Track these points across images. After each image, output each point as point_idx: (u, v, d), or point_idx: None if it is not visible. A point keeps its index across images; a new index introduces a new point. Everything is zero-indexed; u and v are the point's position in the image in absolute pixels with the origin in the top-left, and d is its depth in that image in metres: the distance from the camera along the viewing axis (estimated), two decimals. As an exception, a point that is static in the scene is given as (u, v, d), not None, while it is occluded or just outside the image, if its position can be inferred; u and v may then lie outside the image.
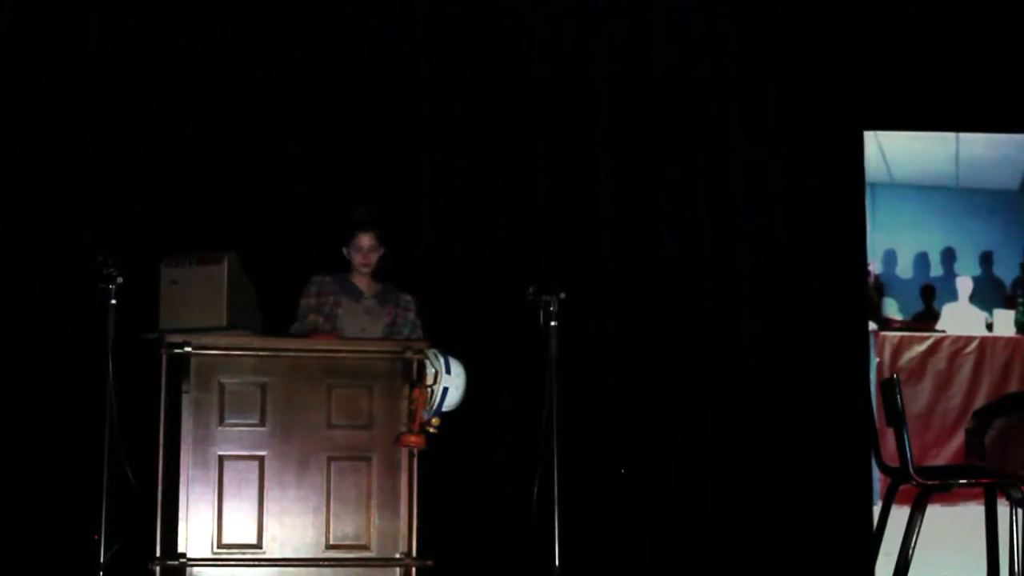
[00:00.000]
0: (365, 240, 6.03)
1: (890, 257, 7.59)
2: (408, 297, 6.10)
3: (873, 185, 7.56)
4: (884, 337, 7.50)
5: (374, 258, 6.06)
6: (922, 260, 7.62)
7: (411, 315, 6.06)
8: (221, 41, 7.07)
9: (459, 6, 7.31)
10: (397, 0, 7.29)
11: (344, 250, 6.07)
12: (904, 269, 7.60)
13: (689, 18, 7.46)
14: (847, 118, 7.46)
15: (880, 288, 7.56)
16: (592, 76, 7.40)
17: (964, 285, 7.61)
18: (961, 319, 7.60)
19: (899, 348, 7.50)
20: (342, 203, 6.52)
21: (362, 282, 6.06)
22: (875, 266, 7.55)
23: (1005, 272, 7.65)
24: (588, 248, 7.23)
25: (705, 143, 7.43)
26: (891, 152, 7.61)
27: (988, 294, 7.63)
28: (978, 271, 7.64)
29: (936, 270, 7.62)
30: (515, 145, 7.27)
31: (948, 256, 7.62)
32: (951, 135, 7.66)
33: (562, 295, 5.70)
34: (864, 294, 7.47)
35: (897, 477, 5.70)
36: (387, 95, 7.19)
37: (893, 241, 7.60)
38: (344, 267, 6.09)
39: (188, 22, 7.05)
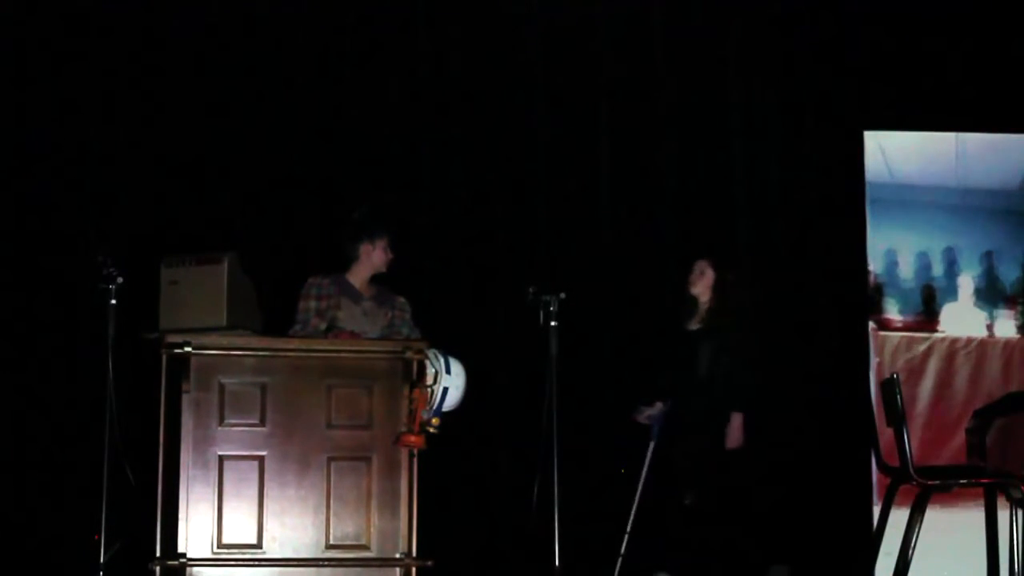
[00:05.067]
0: (388, 240, 6.09)
1: (891, 258, 7.58)
2: (402, 299, 6.11)
3: (874, 186, 7.54)
4: (884, 337, 7.49)
5: None
6: (923, 261, 7.60)
7: (407, 316, 6.07)
8: (221, 41, 7.07)
9: (459, 5, 7.31)
10: (397, 0, 7.30)
11: (362, 247, 6.04)
12: (905, 270, 7.59)
13: (689, 18, 7.46)
14: (847, 118, 7.46)
15: (880, 289, 7.55)
16: (591, 76, 7.40)
17: (965, 286, 7.60)
18: (961, 320, 7.59)
19: (899, 348, 7.49)
20: (342, 203, 6.52)
21: (360, 284, 6.06)
22: (875, 267, 7.54)
23: (1006, 273, 7.64)
24: (588, 248, 7.22)
25: (705, 143, 7.43)
26: (892, 153, 7.60)
27: (989, 295, 7.62)
28: (979, 272, 7.62)
29: (937, 271, 7.61)
30: (515, 146, 7.27)
31: (949, 257, 7.61)
32: (952, 136, 7.64)
33: (562, 295, 5.70)
34: (864, 293, 7.46)
35: (897, 477, 5.70)
36: (387, 95, 7.19)
37: (894, 242, 7.59)
38: (342, 267, 6.08)
39: (189, 23, 7.06)
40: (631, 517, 6.51)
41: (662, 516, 6.38)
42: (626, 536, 6.50)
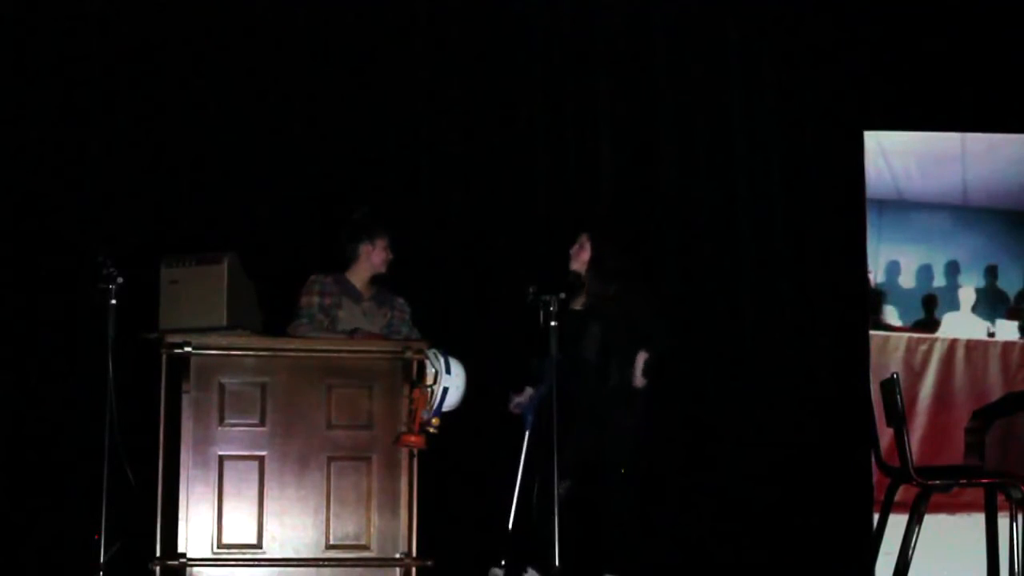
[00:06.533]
0: (387, 241, 6.08)
1: (893, 267, 7.56)
2: (401, 300, 6.11)
3: (876, 188, 7.52)
4: (884, 338, 7.48)
5: None
6: (925, 271, 7.59)
7: (407, 317, 6.07)
8: (221, 41, 7.07)
9: (459, 4, 7.32)
10: (397, 1, 7.30)
11: (362, 247, 6.04)
12: (907, 280, 7.58)
13: (689, 18, 7.46)
14: (847, 118, 7.46)
15: (881, 296, 7.53)
16: (592, 77, 7.40)
17: (967, 296, 7.58)
18: (962, 328, 7.57)
19: (898, 349, 7.48)
20: (342, 203, 6.52)
21: (360, 284, 6.06)
22: (878, 276, 7.52)
23: (1010, 276, 7.62)
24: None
25: (705, 144, 7.43)
26: (898, 167, 7.58)
27: (991, 305, 7.59)
28: (982, 283, 7.60)
29: (939, 281, 7.59)
30: (515, 145, 7.27)
31: (952, 268, 7.59)
32: (956, 136, 7.62)
33: (562, 295, 5.69)
34: (864, 292, 7.46)
35: (897, 477, 5.70)
36: (387, 94, 7.19)
37: (898, 253, 7.57)
38: (341, 267, 6.08)
39: (188, 22, 7.06)
40: (511, 514, 6.17)
41: (537, 510, 5.89)
42: (509, 534, 6.18)
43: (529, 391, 6.30)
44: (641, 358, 6.10)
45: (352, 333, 5.81)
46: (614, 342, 6.13)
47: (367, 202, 6.29)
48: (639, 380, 6.10)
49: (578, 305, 6.24)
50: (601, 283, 6.17)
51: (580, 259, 6.26)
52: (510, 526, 6.18)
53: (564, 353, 5.80)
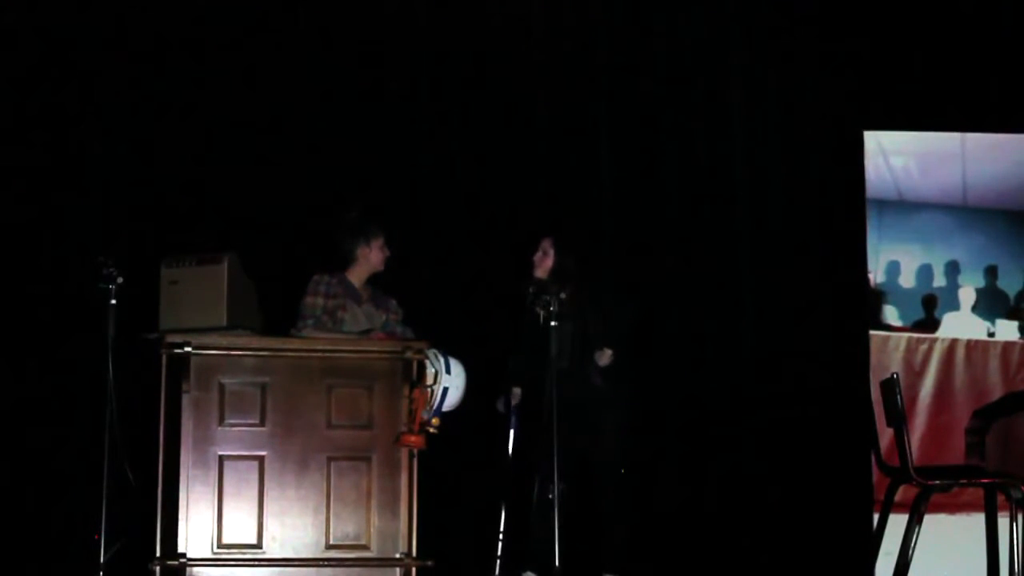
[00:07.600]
0: (383, 240, 6.08)
1: (893, 268, 7.56)
2: (394, 302, 6.11)
3: (876, 189, 7.52)
4: (884, 338, 7.48)
5: None
6: (926, 271, 7.59)
7: (400, 318, 6.07)
8: (221, 41, 7.07)
9: (458, 4, 7.32)
10: (396, 1, 7.30)
11: (359, 250, 6.03)
12: (907, 280, 7.58)
13: (689, 19, 7.46)
14: (847, 118, 7.46)
15: (881, 296, 7.53)
16: (591, 79, 7.40)
17: (967, 296, 7.58)
18: (962, 328, 7.56)
19: (898, 349, 7.48)
20: (342, 203, 6.52)
21: (360, 285, 6.06)
22: (878, 276, 7.52)
23: (1009, 284, 7.62)
24: (588, 253, 7.21)
25: (705, 144, 7.43)
26: (898, 167, 7.58)
27: (991, 305, 7.59)
28: (982, 283, 7.60)
29: (939, 281, 7.59)
30: (515, 145, 7.27)
31: (952, 268, 7.59)
32: (958, 146, 7.61)
33: (562, 295, 5.69)
34: (864, 292, 7.46)
35: (897, 477, 5.70)
36: (387, 94, 7.19)
37: (898, 253, 7.57)
38: (341, 267, 6.07)
39: (187, 21, 7.06)
40: (502, 515, 6.21)
41: (528, 510, 5.82)
42: (500, 535, 6.21)
43: (518, 392, 6.31)
44: (606, 355, 6.12)
45: (366, 333, 5.81)
46: (580, 341, 6.06)
47: (366, 202, 6.29)
48: (603, 361, 6.12)
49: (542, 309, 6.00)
50: (565, 287, 5.90)
51: (544, 266, 6.18)
52: (502, 528, 6.21)
53: (536, 357, 5.73)
